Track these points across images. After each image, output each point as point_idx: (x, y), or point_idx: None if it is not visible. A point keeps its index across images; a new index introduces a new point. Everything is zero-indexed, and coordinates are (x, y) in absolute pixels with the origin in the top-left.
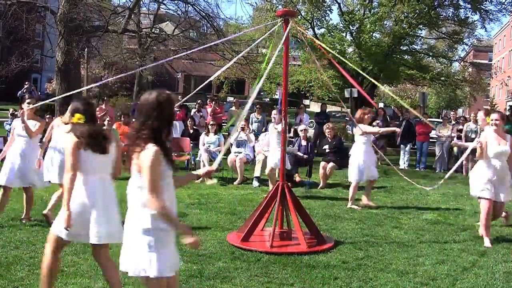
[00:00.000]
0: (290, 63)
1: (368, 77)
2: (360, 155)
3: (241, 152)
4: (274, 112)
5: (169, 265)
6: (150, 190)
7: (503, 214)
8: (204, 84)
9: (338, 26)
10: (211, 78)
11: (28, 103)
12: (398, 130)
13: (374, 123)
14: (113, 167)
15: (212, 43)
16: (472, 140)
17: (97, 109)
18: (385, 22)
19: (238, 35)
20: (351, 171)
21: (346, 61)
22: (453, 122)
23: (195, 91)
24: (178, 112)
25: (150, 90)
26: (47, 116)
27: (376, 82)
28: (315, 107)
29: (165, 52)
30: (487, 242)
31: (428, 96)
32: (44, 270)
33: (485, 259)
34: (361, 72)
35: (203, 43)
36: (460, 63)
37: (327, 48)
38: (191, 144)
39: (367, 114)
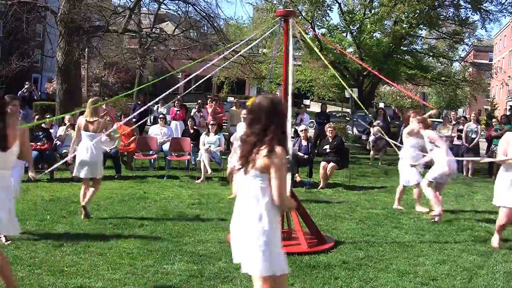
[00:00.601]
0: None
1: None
2: (407, 159)
3: None
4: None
5: (282, 264)
6: (283, 189)
7: None
8: (200, 81)
9: (338, 26)
10: (208, 76)
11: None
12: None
13: (374, 123)
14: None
15: (219, 50)
16: (472, 140)
17: None
18: (385, 22)
19: (242, 42)
20: (401, 174)
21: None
22: (454, 122)
23: (194, 86)
24: (178, 112)
25: (258, 95)
26: (47, 116)
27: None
28: (315, 107)
29: (165, 52)
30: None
31: (428, 96)
32: None
33: (486, 259)
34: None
35: (204, 43)
36: (460, 63)
37: (333, 45)
38: (191, 144)
39: (420, 117)
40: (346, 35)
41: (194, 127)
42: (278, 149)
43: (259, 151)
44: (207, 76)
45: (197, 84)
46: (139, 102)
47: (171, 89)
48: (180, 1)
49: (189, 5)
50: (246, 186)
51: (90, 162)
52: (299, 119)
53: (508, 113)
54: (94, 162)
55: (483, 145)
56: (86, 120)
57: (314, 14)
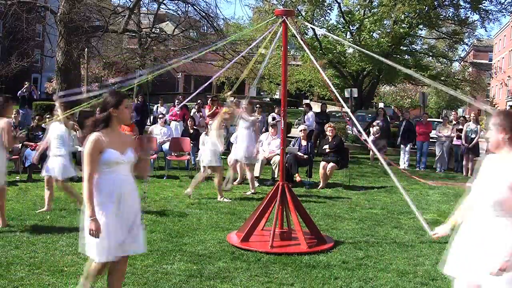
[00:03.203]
0: (289, 63)
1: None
2: None
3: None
4: (243, 102)
5: None
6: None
7: None
8: (205, 85)
9: (338, 27)
10: (213, 79)
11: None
12: None
13: (374, 123)
14: None
15: (215, 46)
16: (472, 140)
17: (98, 109)
18: (385, 22)
19: (238, 34)
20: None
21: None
22: (454, 122)
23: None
24: (178, 112)
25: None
26: (47, 116)
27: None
28: (315, 107)
29: (165, 52)
30: None
31: (428, 96)
32: None
33: None
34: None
35: (204, 43)
36: (460, 63)
37: (340, 39)
38: (191, 144)
39: None
40: (346, 35)
41: (194, 127)
42: None
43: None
44: (220, 73)
45: (205, 85)
46: (138, 101)
47: (203, 86)
48: (180, 1)
49: (189, 5)
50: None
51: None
52: (306, 118)
53: None
54: None
55: (483, 145)
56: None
57: (314, 14)
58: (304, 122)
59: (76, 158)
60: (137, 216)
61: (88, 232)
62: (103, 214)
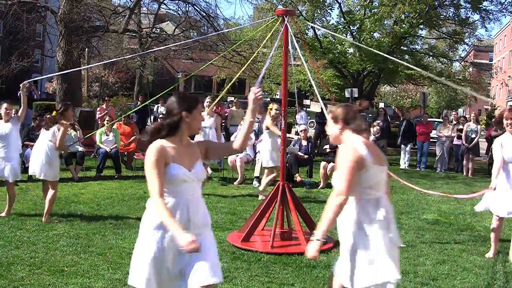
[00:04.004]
0: (289, 63)
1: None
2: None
3: (241, 152)
4: (208, 99)
5: None
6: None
7: None
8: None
9: (338, 27)
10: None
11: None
12: None
13: (374, 123)
14: None
15: (209, 35)
16: (472, 140)
17: (98, 109)
18: (385, 22)
19: (234, 29)
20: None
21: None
22: (454, 122)
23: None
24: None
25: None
26: (48, 116)
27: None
28: (315, 107)
29: (165, 52)
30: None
31: (428, 96)
32: None
33: (486, 259)
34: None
35: (204, 43)
36: (460, 63)
37: (341, 37)
38: None
39: None
40: (347, 35)
41: None
42: None
43: None
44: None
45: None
46: (138, 103)
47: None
48: (180, 1)
49: (189, 5)
50: None
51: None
52: (299, 117)
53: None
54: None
55: (483, 145)
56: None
57: (314, 14)
58: (297, 123)
59: (76, 158)
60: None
61: (185, 250)
62: (156, 241)
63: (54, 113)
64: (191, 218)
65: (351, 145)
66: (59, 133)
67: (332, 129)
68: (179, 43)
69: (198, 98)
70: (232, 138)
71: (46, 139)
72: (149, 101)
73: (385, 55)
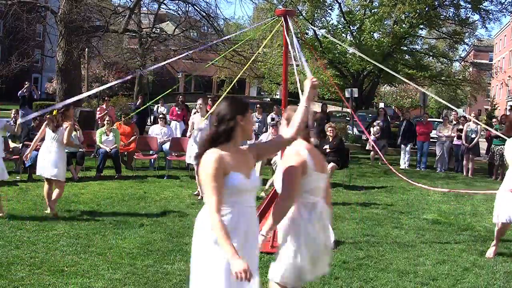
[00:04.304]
0: (290, 63)
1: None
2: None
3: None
4: (199, 102)
5: None
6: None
7: None
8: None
9: (338, 27)
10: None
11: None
12: None
13: (374, 123)
14: None
15: (214, 42)
16: (472, 140)
17: (98, 109)
18: (385, 22)
19: (237, 33)
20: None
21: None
22: (454, 122)
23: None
24: (179, 112)
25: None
26: (48, 116)
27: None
28: (315, 107)
29: (165, 52)
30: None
31: (428, 96)
32: None
33: (486, 259)
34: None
35: (204, 43)
36: (460, 63)
37: (338, 42)
38: None
39: None
40: (347, 35)
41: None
42: None
43: None
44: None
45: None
46: (137, 103)
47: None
48: (180, 1)
49: (189, 5)
50: None
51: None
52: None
53: (508, 113)
54: None
55: (483, 145)
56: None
57: (314, 14)
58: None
59: (76, 158)
60: (255, 261)
61: (236, 276)
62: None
63: (54, 112)
64: (250, 229)
65: (295, 150)
66: (66, 131)
67: (283, 130)
68: (205, 45)
69: (247, 100)
70: None
71: (53, 139)
72: (149, 103)
73: (374, 62)
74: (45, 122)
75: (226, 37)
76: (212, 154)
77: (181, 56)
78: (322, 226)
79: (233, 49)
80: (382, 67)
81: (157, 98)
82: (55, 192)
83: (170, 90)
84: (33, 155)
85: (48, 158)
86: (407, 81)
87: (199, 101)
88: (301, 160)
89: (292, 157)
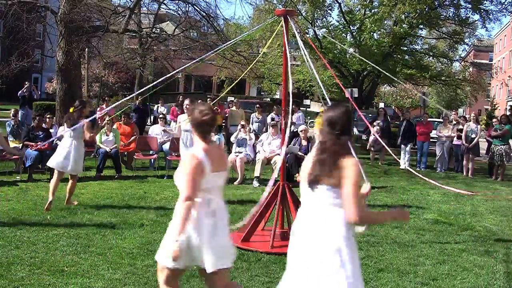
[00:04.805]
0: (290, 63)
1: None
2: None
3: (241, 152)
4: (186, 102)
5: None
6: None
7: None
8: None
9: (338, 27)
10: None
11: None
12: None
13: (374, 123)
14: None
15: (220, 48)
16: (472, 140)
17: (98, 109)
18: (385, 22)
19: (246, 34)
20: None
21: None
22: (454, 122)
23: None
24: (179, 112)
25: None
26: (48, 116)
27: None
28: (315, 107)
29: (165, 52)
30: None
31: (428, 95)
32: None
33: (486, 259)
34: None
35: (204, 43)
36: (460, 63)
37: (337, 43)
38: None
39: None
40: (346, 35)
41: None
42: (350, 159)
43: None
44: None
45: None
46: (137, 103)
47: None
48: (180, 1)
49: (189, 5)
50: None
51: None
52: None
53: (508, 113)
54: None
55: (483, 145)
56: None
57: (314, 14)
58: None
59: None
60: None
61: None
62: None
63: (71, 109)
64: None
65: (192, 153)
66: (84, 126)
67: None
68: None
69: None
70: (232, 138)
71: (72, 136)
72: (143, 96)
73: (373, 64)
74: (64, 120)
75: (235, 40)
76: (354, 161)
77: (209, 54)
78: (214, 222)
79: (227, 45)
80: (379, 68)
81: (149, 92)
82: (70, 183)
83: (149, 86)
84: (33, 155)
85: (70, 154)
86: (401, 83)
87: (186, 101)
88: (197, 162)
89: (189, 160)
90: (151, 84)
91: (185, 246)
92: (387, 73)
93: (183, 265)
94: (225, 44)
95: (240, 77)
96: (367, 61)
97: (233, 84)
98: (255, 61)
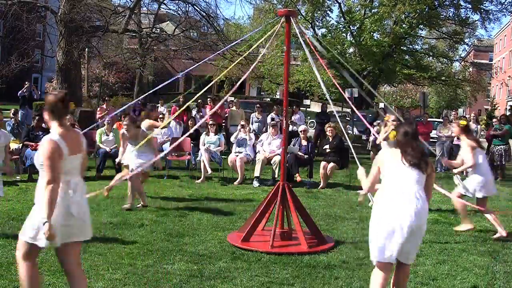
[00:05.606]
0: (290, 63)
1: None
2: None
3: (241, 152)
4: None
5: None
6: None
7: None
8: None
9: (338, 27)
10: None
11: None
12: None
13: (374, 123)
14: None
15: (221, 50)
16: None
17: (98, 109)
18: (385, 22)
19: (248, 35)
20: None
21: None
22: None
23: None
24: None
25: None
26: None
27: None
28: (315, 107)
29: (165, 52)
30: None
31: (428, 96)
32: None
33: (486, 259)
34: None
35: (204, 43)
36: (460, 63)
37: (330, 49)
38: (192, 144)
39: None
40: (346, 35)
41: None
42: None
43: None
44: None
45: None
46: (139, 102)
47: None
48: (180, 1)
49: (189, 5)
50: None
51: None
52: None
53: (508, 113)
54: None
55: (483, 145)
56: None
57: (314, 14)
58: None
59: None
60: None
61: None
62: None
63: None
64: None
65: (48, 137)
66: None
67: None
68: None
69: None
70: (232, 139)
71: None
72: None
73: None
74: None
75: (238, 41)
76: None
77: (214, 55)
78: (74, 200)
79: (232, 45)
80: (363, 81)
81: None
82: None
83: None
84: (33, 155)
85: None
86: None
87: (161, 108)
88: (53, 146)
89: (47, 145)
90: (157, 88)
91: (57, 224)
92: (369, 86)
93: (57, 242)
94: (230, 45)
95: (242, 78)
96: (350, 68)
97: (236, 86)
98: (256, 61)
